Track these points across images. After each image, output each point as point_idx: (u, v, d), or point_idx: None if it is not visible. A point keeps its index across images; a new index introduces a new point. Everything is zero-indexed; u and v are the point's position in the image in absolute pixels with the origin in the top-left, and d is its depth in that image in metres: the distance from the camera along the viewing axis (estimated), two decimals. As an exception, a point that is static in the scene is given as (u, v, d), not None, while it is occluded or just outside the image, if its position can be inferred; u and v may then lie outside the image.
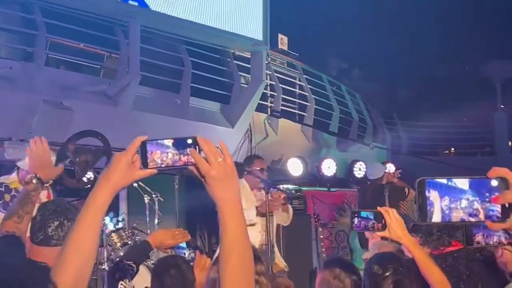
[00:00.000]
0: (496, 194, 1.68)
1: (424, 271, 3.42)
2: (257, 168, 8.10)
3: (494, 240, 2.16)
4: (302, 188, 11.60)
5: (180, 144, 2.09)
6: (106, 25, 10.54)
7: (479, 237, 2.70)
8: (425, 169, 15.61)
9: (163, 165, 2.12)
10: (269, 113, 13.40)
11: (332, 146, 15.18)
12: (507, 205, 1.69)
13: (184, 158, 2.08)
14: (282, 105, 13.67)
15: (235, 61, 12.61)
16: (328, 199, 12.81)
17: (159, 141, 2.11)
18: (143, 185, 8.75)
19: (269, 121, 13.32)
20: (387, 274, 3.57)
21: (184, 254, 4.49)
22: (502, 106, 22.22)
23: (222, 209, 2.09)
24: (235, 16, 12.08)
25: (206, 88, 11.85)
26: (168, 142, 2.10)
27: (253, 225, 7.64)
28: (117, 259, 4.82)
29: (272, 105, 13.54)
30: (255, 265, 3.33)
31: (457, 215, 1.69)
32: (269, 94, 13.50)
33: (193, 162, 2.07)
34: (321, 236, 10.89)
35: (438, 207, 1.69)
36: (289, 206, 8.33)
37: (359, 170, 13.78)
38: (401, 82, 23.79)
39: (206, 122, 11.18)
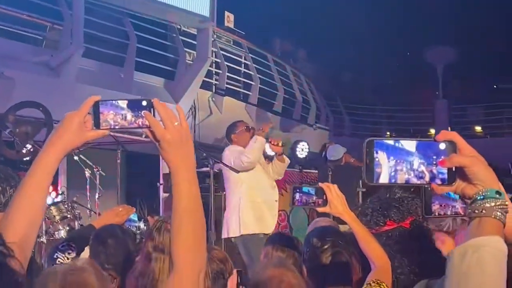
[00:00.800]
0: (443, 157, 1.69)
1: (364, 247, 3.44)
2: (243, 128, 8.28)
3: (451, 210, 2.16)
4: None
5: (134, 106, 2.05)
6: (50, -5, 10.35)
7: (435, 207, 2.69)
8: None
9: (116, 127, 2.08)
10: (213, 90, 13.34)
11: (276, 126, 15.21)
12: (454, 168, 1.69)
13: (138, 121, 2.04)
14: (227, 83, 13.64)
15: (180, 37, 12.51)
16: (270, 178, 12.80)
17: (113, 101, 2.06)
18: (84, 159, 8.63)
19: (214, 99, 13.26)
20: (326, 247, 3.58)
21: (137, 227, 4.36)
22: (442, 91, 22.59)
23: (176, 175, 2.04)
24: (182, -9, 11.97)
25: (150, 63, 11.74)
26: (122, 104, 2.06)
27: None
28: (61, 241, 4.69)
29: (217, 83, 13.48)
30: None
31: (402, 177, 1.69)
32: (214, 72, 13.44)
33: (147, 125, 2.03)
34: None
35: (386, 168, 1.68)
36: (285, 156, 8.51)
37: (302, 150, 13.83)
38: (346, 65, 23.91)
39: (149, 97, 11.03)
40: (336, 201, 3.50)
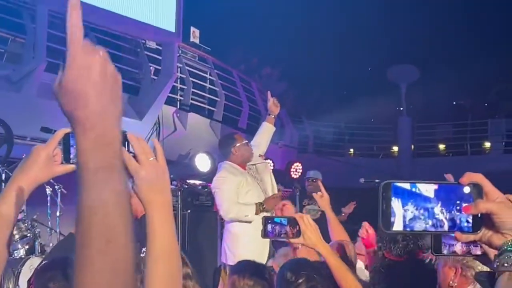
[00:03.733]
0: (467, 203, 1.53)
1: (338, 279, 3.34)
2: (243, 142, 7.67)
3: (448, 249, 2.02)
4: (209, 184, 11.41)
5: None
6: (12, 8, 10.10)
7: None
8: (332, 169, 15.74)
9: None
10: (178, 106, 13.18)
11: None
12: (479, 215, 1.54)
13: None
14: (192, 99, 13.50)
15: (145, 52, 12.34)
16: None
17: None
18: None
19: (178, 115, 13.10)
20: (300, 281, 3.44)
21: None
22: (405, 110, 22.67)
23: (150, 214, 1.90)
24: (147, 5, 11.78)
25: (115, 78, 11.52)
26: None
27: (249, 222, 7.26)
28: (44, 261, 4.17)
29: (182, 98, 13.33)
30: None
31: (420, 225, 1.54)
32: (179, 87, 13.29)
33: None
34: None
35: (400, 215, 1.54)
36: None
37: (266, 168, 13.71)
38: (308, 83, 23.91)
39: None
40: (309, 232, 3.38)
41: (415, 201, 1.54)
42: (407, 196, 1.54)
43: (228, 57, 17.00)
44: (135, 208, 3.86)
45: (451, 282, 3.59)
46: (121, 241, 1.29)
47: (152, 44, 12.66)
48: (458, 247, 1.88)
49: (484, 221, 1.55)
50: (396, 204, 1.54)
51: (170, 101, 12.81)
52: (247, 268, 4.13)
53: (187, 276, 3.21)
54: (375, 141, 21.98)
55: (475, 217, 1.55)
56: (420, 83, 22.86)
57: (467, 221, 1.55)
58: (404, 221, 1.54)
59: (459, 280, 3.57)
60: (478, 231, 1.56)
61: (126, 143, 1.87)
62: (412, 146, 21.53)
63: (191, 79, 13.41)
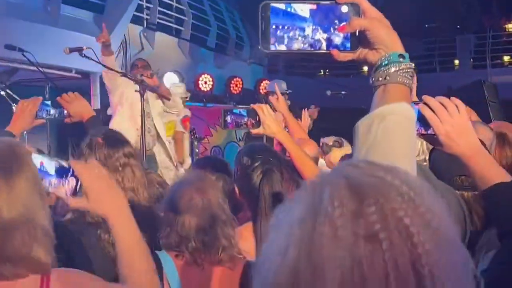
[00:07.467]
0: (344, 22, 1.54)
1: (298, 166, 3.39)
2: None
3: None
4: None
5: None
6: None
7: None
8: (303, 88, 15.72)
9: None
10: (145, 25, 13.01)
11: (209, 62, 15.01)
12: (357, 33, 1.55)
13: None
14: (159, 18, 13.31)
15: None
16: (204, 114, 12.77)
17: None
18: (11, 93, 8.33)
19: (145, 34, 12.94)
20: (256, 164, 3.45)
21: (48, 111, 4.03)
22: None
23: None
24: None
25: (78, -4, 11.34)
26: None
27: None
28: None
29: (148, 17, 13.14)
30: (122, 148, 3.22)
31: (298, 45, 1.55)
32: (145, 6, 13.08)
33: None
34: (197, 150, 10.83)
35: (282, 35, 1.55)
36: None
37: (236, 86, 13.74)
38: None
39: (78, 31, 10.67)
40: (269, 121, 3.43)
41: (293, 21, 1.55)
42: (285, 17, 1.55)
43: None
44: (79, 114, 3.99)
45: None
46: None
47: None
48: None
49: (361, 39, 1.56)
50: (277, 23, 1.55)
51: (136, 20, 12.62)
52: (207, 163, 4.19)
53: (130, 155, 3.28)
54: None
55: (353, 35, 1.56)
56: (388, 2, 22.72)
57: (346, 40, 1.56)
58: (285, 41, 1.56)
59: None
60: (356, 50, 1.58)
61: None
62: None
63: (157, -4, 13.22)
